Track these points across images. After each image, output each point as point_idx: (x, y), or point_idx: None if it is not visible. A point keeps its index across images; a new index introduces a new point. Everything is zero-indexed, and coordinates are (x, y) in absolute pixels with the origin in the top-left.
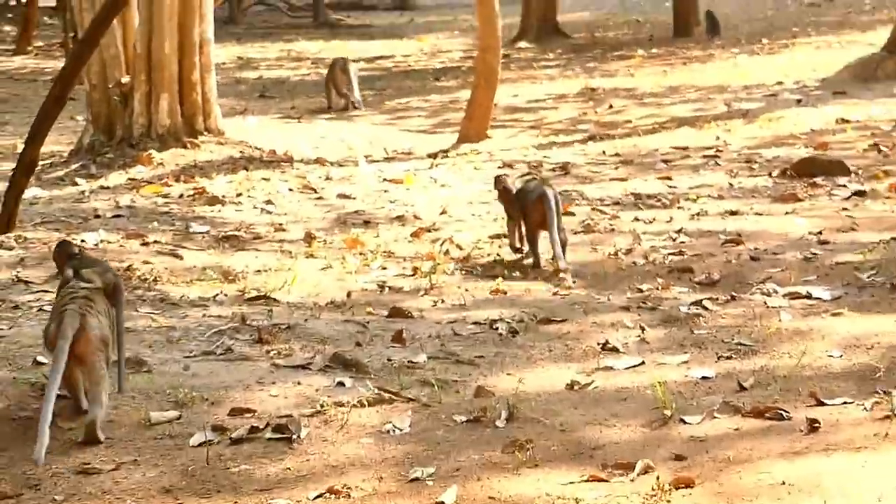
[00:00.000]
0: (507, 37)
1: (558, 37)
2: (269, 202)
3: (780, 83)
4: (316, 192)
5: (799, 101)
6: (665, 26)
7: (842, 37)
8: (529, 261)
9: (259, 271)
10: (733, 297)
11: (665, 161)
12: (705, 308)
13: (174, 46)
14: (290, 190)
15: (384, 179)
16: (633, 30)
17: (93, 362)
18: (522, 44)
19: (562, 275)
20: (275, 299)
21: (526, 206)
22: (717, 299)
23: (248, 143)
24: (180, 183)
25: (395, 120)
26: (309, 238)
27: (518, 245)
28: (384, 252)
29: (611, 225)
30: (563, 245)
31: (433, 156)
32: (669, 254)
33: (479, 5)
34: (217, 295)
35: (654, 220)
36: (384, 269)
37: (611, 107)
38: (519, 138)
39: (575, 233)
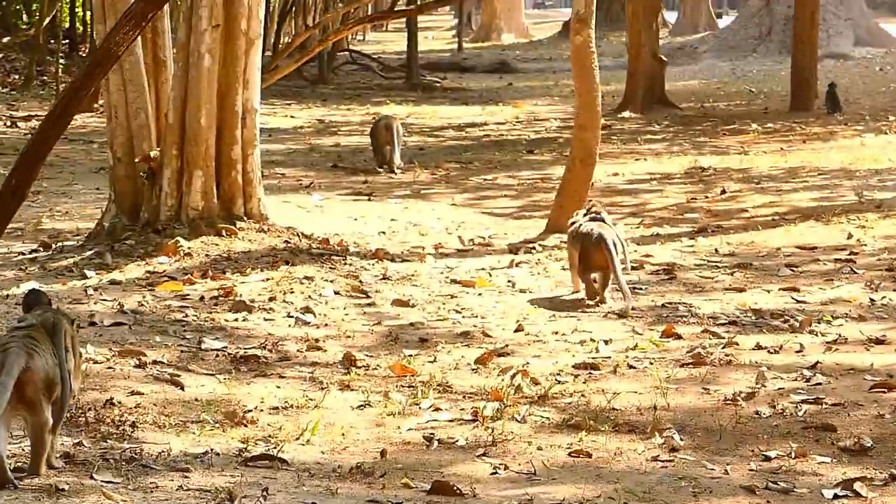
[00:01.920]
0: (611, 105)
1: (665, 107)
2: (306, 310)
3: None
4: (367, 296)
5: None
6: (781, 98)
7: None
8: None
9: (276, 409)
10: (894, 477)
11: (789, 266)
12: (858, 495)
13: (212, 117)
14: (336, 293)
15: (452, 281)
16: (746, 101)
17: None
18: (626, 113)
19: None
20: (283, 460)
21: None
22: (873, 479)
23: (295, 231)
24: (206, 280)
25: (477, 199)
26: (348, 361)
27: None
28: (439, 384)
29: (726, 355)
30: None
31: (514, 249)
32: (803, 401)
33: (577, 77)
34: (207, 453)
35: (780, 348)
36: (437, 410)
37: (723, 192)
38: (617, 228)
39: (682, 364)
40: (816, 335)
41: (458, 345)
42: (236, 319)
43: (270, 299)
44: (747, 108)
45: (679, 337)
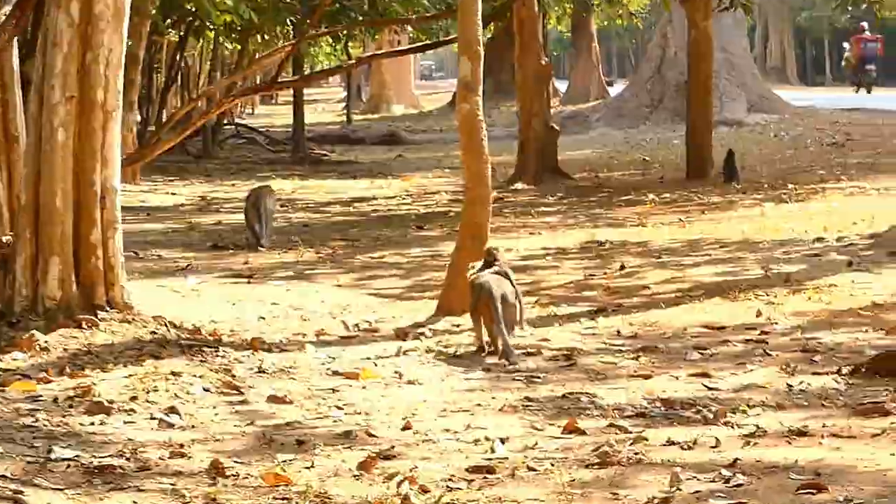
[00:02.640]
0: (504, 176)
1: (559, 178)
2: (171, 410)
3: (820, 239)
4: (240, 392)
5: (849, 263)
6: (676, 167)
7: (877, 182)
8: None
9: None
10: None
11: (698, 348)
12: None
13: (68, 197)
14: (206, 390)
15: (334, 372)
16: (641, 170)
17: None
18: (519, 185)
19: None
20: None
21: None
22: None
23: (163, 320)
24: (63, 377)
25: (364, 280)
26: (215, 470)
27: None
28: (317, 495)
29: (636, 453)
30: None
31: (402, 335)
32: None
33: (465, 148)
34: None
35: (694, 443)
36: None
37: (622, 267)
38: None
39: (587, 465)
40: (732, 427)
41: (340, 447)
42: (92, 423)
43: (132, 398)
44: (643, 178)
45: (582, 432)
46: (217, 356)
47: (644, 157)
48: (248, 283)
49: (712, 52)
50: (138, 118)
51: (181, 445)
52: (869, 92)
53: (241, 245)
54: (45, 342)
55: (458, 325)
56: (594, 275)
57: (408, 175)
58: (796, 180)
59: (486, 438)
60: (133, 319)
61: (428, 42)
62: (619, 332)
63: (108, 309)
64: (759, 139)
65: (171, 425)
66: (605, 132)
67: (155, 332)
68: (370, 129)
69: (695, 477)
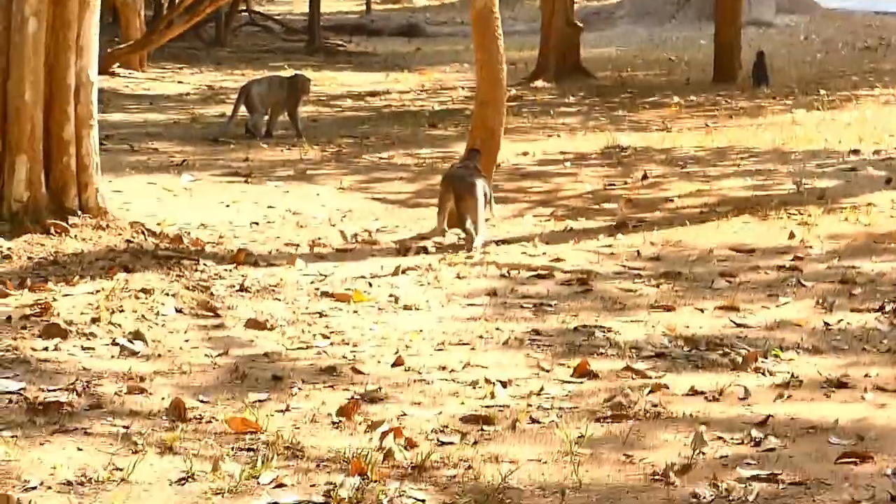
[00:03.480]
0: (524, 73)
1: (581, 76)
2: (136, 335)
3: (855, 151)
4: (216, 314)
5: (888, 181)
6: (702, 67)
7: None
8: None
9: (68, 485)
10: None
11: (725, 275)
12: None
13: (38, 91)
14: (179, 311)
15: (324, 293)
16: (667, 70)
17: None
18: (539, 83)
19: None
20: None
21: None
22: None
23: (141, 227)
24: (23, 291)
25: (369, 182)
26: (176, 411)
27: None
28: (288, 447)
29: (654, 405)
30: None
31: (404, 249)
32: (753, 478)
33: (478, 46)
34: None
35: (720, 393)
36: (280, 486)
37: (645, 177)
38: (525, 222)
39: (598, 418)
40: (764, 374)
41: (321, 385)
42: (46, 348)
43: (93, 320)
44: (668, 79)
45: (595, 376)
46: (196, 270)
47: (670, 56)
48: (246, 181)
49: None
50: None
51: (141, 378)
52: None
53: (245, 142)
54: (8, 249)
55: (465, 238)
56: (614, 184)
57: (425, 69)
58: (828, 86)
59: (486, 380)
60: (107, 226)
61: None
62: (639, 252)
63: (80, 214)
64: (788, 41)
65: (133, 353)
66: (630, 30)
67: (130, 241)
68: (389, 21)
69: (720, 437)
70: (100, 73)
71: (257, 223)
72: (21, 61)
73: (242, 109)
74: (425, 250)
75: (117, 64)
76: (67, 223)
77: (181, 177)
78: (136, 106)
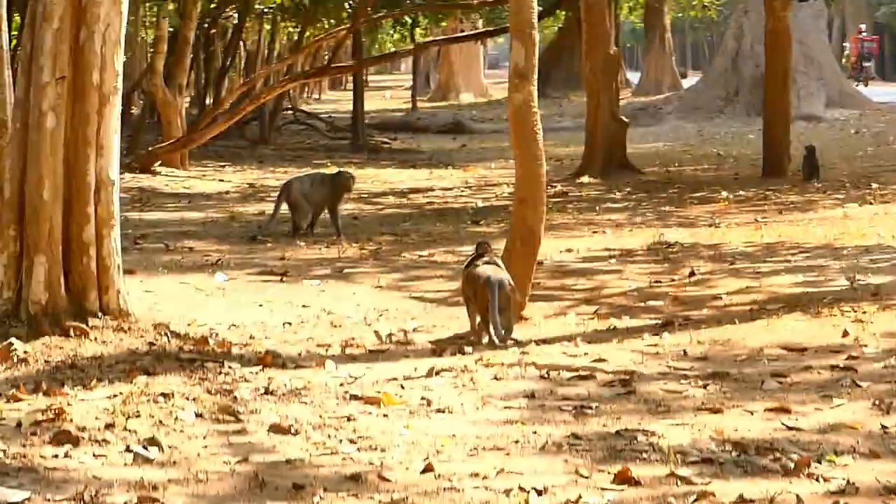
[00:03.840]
0: (570, 169)
1: (627, 172)
2: (151, 441)
3: None
4: (238, 419)
5: None
6: (751, 163)
7: None
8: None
9: None
10: None
11: (776, 375)
12: None
13: (57, 190)
14: (199, 415)
15: (352, 396)
16: (715, 165)
17: None
18: (585, 179)
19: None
20: None
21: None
22: None
23: (165, 329)
24: (37, 395)
25: (408, 280)
26: None
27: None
28: None
29: None
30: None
31: (439, 350)
32: None
33: (517, 143)
34: None
35: (771, 502)
36: None
37: (692, 273)
38: (566, 320)
39: None
40: (817, 480)
41: (344, 493)
42: (56, 456)
43: (107, 426)
44: (716, 174)
45: (637, 483)
46: (220, 373)
47: (718, 151)
48: (281, 281)
49: (791, 44)
50: (187, 101)
51: (154, 487)
52: (866, 86)
53: (283, 241)
54: (25, 352)
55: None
56: (661, 281)
57: (469, 166)
58: (879, 180)
59: (521, 488)
60: (129, 328)
61: (487, 29)
62: (685, 352)
63: (100, 316)
64: (838, 136)
65: (147, 460)
66: (678, 125)
67: (153, 344)
68: (435, 117)
69: None
70: (140, 171)
71: (290, 323)
72: (39, 158)
73: (284, 207)
74: (462, 351)
75: (158, 162)
76: (87, 325)
77: (215, 276)
78: (175, 204)
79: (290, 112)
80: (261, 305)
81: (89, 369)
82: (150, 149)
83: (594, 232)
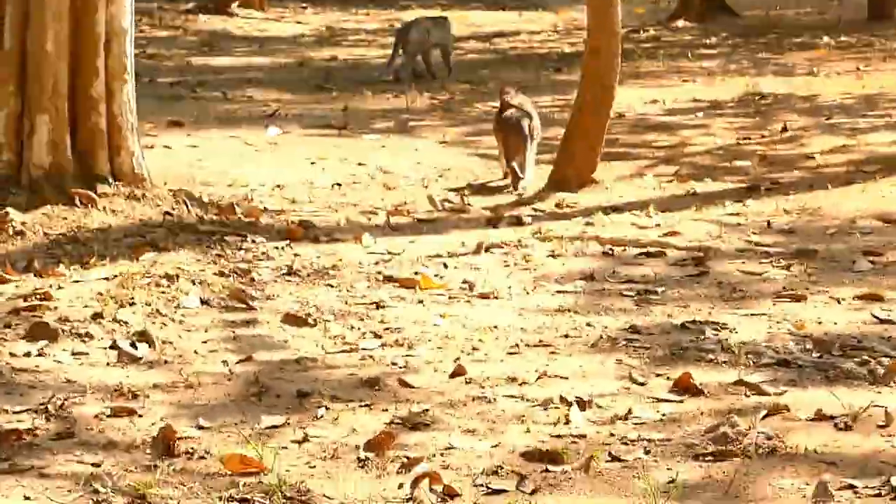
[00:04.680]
0: (666, 12)
1: (726, 15)
2: (142, 335)
3: None
4: (249, 306)
5: None
6: (857, 6)
7: None
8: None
9: None
10: None
11: (868, 253)
12: None
13: (62, 41)
14: (204, 302)
15: (386, 278)
16: (818, 7)
17: None
18: (680, 23)
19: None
20: None
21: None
22: None
23: (184, 195)
24: (26, 277)
25: (476, 135)
26: (163, 443)
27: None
28: (291, 496)
29: (768, 438)
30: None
31: (495, 220)
32: None
33: None
34: None
35: (854, 419)
36: None
37: (784, 129)
38: (642, 183)
39: (696, 455)
40: None
41: (355, 404)
42: (28, 353)
43: (95, 316)
44: (819, 17)
45: (699, 392)
46: (241, 248)
47: None
48: (339, 135)
49: None
50: None
51: (134, 395)
52: None
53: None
54: (22, 223)
55: (569, 205)
56: (750, 137)
57: (561, 8)
58: None
59: (562, 399)
60: (143, 195)
61: None
62: (769, 223)
63: (111, 181)
64: None
65: (133, 359)
66: None
67: (169, 214)
68: None
69: (851, 485)
70: (216, 12)
71: (339, 184)
72: (42, 5)
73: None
74: (518, 221)
75: (236, 3)
76: (96, 192)
77: (268, 129)
78: (244, 49)
79: None
80: (312, 163)
81: (92, 244)
82: None
83: (683, 80)
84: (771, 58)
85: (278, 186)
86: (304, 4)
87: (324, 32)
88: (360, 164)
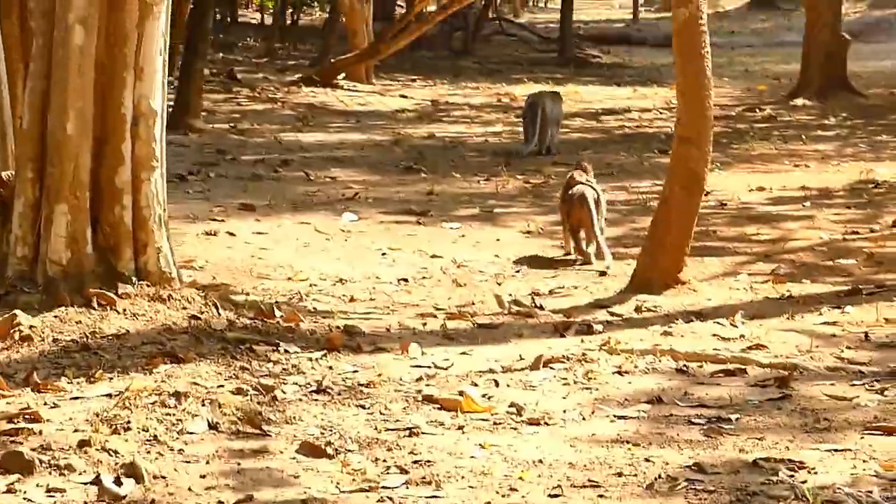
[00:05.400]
0: (785, 89)
1: (847, 94)
2: (129, 469)
3: None
4: (262, 433)
5: None
6: None
7: None
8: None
9: None
10: None
11: None
12: None
13: (86, 123)
14: (213, 426)
15: (424, 398)
16: None
17: None
18: (800, 101)
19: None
20: None
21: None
22: None
23: (219, 296)
24: (22, 391)
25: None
26: None
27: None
28: None
29: None
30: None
31: (562, 327)
32: None
33: (680, 68)
34: None
35: None
36: None
37: (895, 223)
38: (734, 284)
39: None
40: None
41: None
42: None
43: (81, 444)
44: None
45: None
46: (270, 360)
47: None
48: (418, 222)
49: None
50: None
51: None
52: None
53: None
54: (30, 328)
55: (649, 309)
56: (858, 232)
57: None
58: None
59: None
60: (170, 296)
61: None
62: (867, 335)
63: (135, 281)
64: None
65: (116, 498)
66: None
67: (196, 318)
68: (656, 29)
69: None
70: (321, 85)
71: (406, 280)
72: (64, 83)
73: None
74: (588, 329)
75: (342, 75)
76: (117, 293)
77: (342, 216)
78: (339, 124)
79: (495, 21)
80: (384, 254)
81: (105, 353)
82: (332, 60)
83: (795, 165)
84: (890, 141)
85: (340, 281)
86: (412, 77)
87: (427, 107)
88: (434, 255)
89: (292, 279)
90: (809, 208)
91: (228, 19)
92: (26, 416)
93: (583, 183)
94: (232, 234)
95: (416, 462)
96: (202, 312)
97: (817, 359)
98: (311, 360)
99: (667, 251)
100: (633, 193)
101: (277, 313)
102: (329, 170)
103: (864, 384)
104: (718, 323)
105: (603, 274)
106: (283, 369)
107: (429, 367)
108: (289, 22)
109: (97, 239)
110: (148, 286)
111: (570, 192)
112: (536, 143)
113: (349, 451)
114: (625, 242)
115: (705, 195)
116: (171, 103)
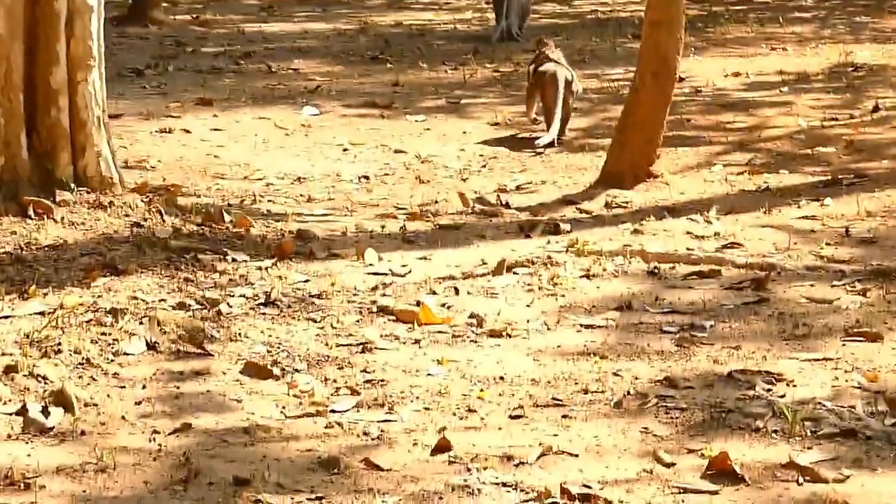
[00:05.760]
0: None
1: None
2: (58, 397)
3: None
4: (204, 352)
5: None
6: None
7: None
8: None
9: None
10: None
11: None
12: None
13: (16, 22)
14: (151, 346)
15: (379, 309)
16: None
17: None
18: None
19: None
20: None
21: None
22: None
23: (163, 201)
24: None
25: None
26: None
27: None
28: None
29: None
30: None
31: (528, 226)
32: None
33: None
34: None
35: None
36: None
37: (876, 108)
38: (709, 176)
39: None
40: None
41: (303, 496)
42: None
43: (7, 369)
44: None
45: (737, 478)
46: (216, 270)
47: None
48: (381, 115)
49: None
50: None
51: (25, 484)
52: None
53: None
54: None
55: (619, 205)
56: (836, 118)
57: None
58: None
59: (564, 492)
60: (111, 203)
61: None
62: (847, 230)
63: (74, 187)
64: None
65: (43, 430)
66: None
67: (139, 225)
68: None
69: None
70: None
71: (367, 178)
72: None
73: None
74: (555, 228)
75: None
76: (54, 200)
77: (303, 110)
78: (304, 13)
79: None
80: (345, 150)
81: (39, 265)
82: None
83: (772, 49)
84: (870, 22)
85: (298, 180)
86: None
87: None
88: (397, 150)
89: (248, 178)
90: (787, 94)
91: None
92: None
93: (555, 62)
94: (187, 132)
95: (368, 382)
96: (146, 219)
97: (795, 257)
98: (260, 269)
99: (637, 144)
100: (604, 81)
101: (227, 218)
102: (292, 61)
103: (844, 285)
104: (692, 219)
105: (539, 151)
106: (230, 280)
107: (385, 274)
108: None
109: (32, 144)
110: (88, 192)
111: (541, 69)
112: (504, 27)
113: (297, 370)
114: (595, 133)
115: (678, 82)
116: None
